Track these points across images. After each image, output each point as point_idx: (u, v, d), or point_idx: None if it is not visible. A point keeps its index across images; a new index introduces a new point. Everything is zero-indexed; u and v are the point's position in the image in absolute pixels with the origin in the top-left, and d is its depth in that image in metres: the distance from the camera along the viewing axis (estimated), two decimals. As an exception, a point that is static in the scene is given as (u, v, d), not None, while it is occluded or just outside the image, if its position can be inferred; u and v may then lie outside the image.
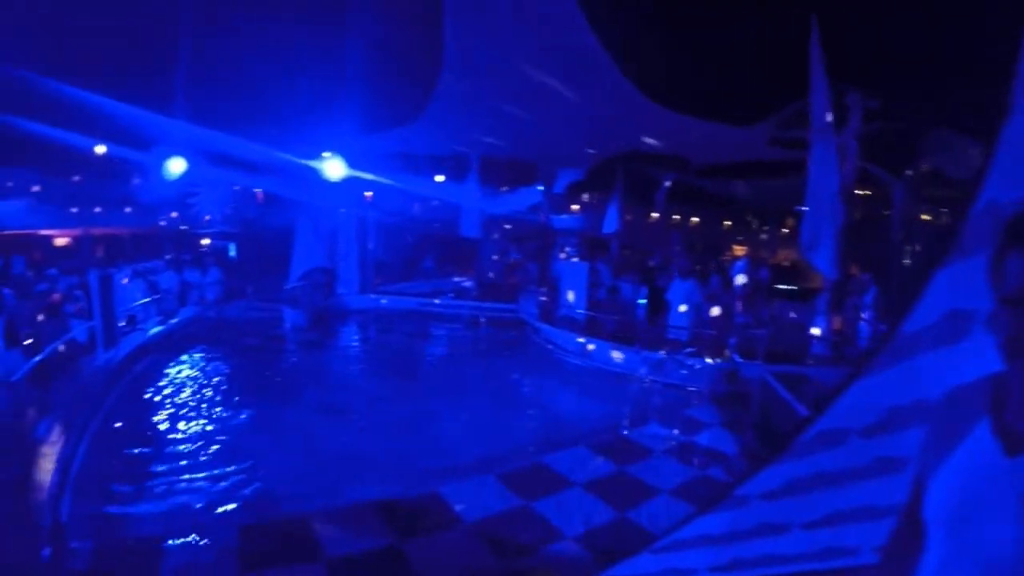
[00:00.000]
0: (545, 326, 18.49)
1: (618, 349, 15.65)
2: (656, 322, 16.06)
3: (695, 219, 42.36)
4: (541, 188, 28.26)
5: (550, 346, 17.88)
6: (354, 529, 8.08)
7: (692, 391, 13.56)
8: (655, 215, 34.72)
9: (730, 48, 18.98)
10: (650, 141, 23.15)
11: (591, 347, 16.33)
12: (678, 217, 39.67)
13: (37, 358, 11.47)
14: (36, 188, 37.67)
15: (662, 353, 14.40)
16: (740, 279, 18.19)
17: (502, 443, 11.28)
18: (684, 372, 13.91)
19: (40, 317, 13.49)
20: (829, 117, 12.21)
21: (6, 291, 12.31)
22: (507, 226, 31.70)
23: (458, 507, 8.62)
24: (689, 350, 14.51)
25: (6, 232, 35.20)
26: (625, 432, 11.38)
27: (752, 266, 18.87)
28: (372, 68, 20.32)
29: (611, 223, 25.64)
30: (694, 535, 3.20)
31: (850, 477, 2.57)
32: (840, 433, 2.53)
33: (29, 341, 12.23)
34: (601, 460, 10.24)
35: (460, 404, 13.45)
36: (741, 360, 13.44)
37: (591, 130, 21.67)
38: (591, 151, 25.77)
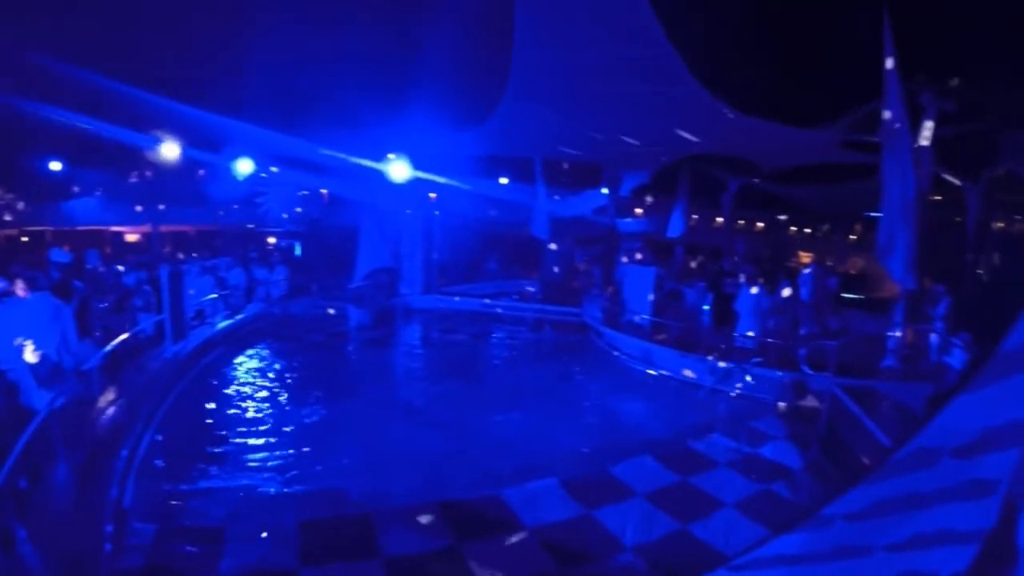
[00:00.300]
0: (609, 330, 18.24)
1: (683, 356, 15.34)
2: (722, 329, 15.79)
3: (760, 224, 41.78)
4: (606, 191, 28.06)
5: (614, 351, 17.68)
6: (413, 528, 8.05)
7: (758, 402, 13.19)
8: (720, 219, 34.26)
9: (802, 48, 18.67)
10: (717, 144, 22.83)
11: (655, 353, 16.06)
12: (743, 222, 39.11)
13: (107, 348, 11.73)
14: (108, 186, 38.65)
15: (728, 362, 14.11)
16: (808, 287, 17.76)
17: (564, 448, 11.18)
18: (751, 382, 13.58)
19: (110, 309, 13.78)
20: (902, 119, 11.84)
21: (79, 284, 12.58)
22: (572, 229, 31.59)
23: (519, 511, 8.51)
24: (756, 360, 14.12)
25: (80, 227, 36.37)
26: (689, 441, 11.19)
27: (820, 274, 18.40)
28: (440, 71, 20.41)
29: (676, 227, 25.39)
30: (773, 554, 3.09)
31: (938, 499, 2.46)
32: (933, 453, 2.41)
33: (100, 332, 12.54)
34: (664, 469, 10.05)
35: (522, 406, 13.37)
36: (810, 371, 12.98)
37: (658, 132, 21.42)
38: (658, 154, 25.50)
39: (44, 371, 9.19)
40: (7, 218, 35.99)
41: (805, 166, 24.93)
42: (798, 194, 30.19)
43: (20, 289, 9.30)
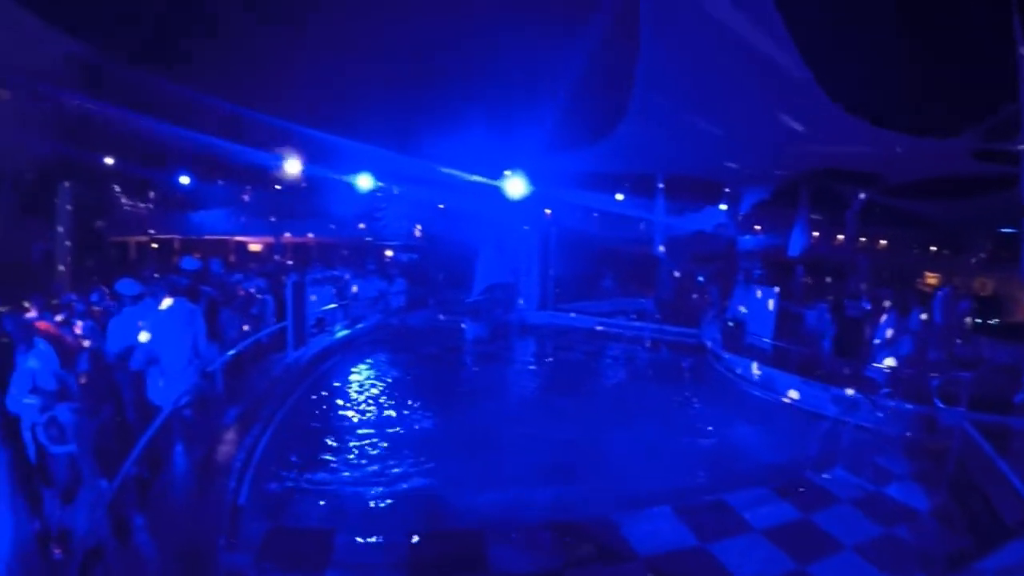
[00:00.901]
0: (728, 353, 17.81)
1: (805, 383, 14.79)
2: (845, 356, 15.22)
3: (883, 242, 40.26)
4: (724, 207, 27.63)
5: (732, 375, 17.22)
6: (525, 547, 8.01)
7: (883, 436, 12.48)
8: (840, 237, 33.14)
9: (931, 53, 17.93)
10: (841, 156, 22.15)
11: (776, 378, 15.55)
12: (865, 239, 37.67)
13: (232, 352, 12.34)
14: (233, 199, 40.45)
15: (853, 391, 13.52)
16: (941, 311, 16.89)
17: (678, 473, 11.03)
18: (877, 414, 12.91)
19: (234, 316, 14.35)
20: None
21: (207, 289, 13.16)
22: (689, 246, 31.15)
23: (632, 538, 8.36)
24: (884, 391, 13.42)
25: (206, 236, 38.23)
26: (809, 474, 10.84)
27: (953, 297, 17.51)
28: (563, 88, 20.46)
29: (796, 245, 24.79)
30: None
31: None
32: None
33: (224, 337, 13.13)
34: (782, 503, 9.73)
35: (636, 427, 13.20)
36: (942, 405, 12.13)
37: (780, 147, 20.98)
38: (778, 171, 24.97)
39: (173, 371, 9.70)
40: (144, 227, 37.99)
41: (932, 179, 23.91)
42: (924, 209, 29.00)
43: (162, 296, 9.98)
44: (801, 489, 10.28)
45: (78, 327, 10.05)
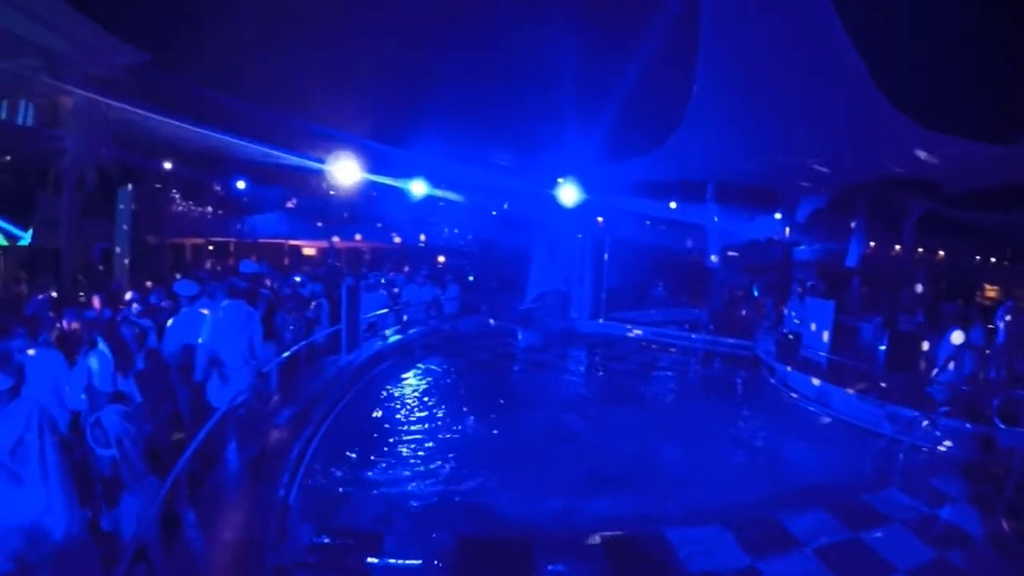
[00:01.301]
0: (782, 367, 17.55)
1: (860, 399, 14.52)
2: (900, 371, 14.95)
3: (941, 253, 39.48)
4: (779, 216, 27.34)
5: (786, 389, 17.01)
6: (572, 558, 7.99)
7: (942, 456, 12.27)
8: (897, 247, 32.52)
9: (995, 56, 17.56)
10: (900, 164, 21.77)
11: (831, 394, 15.28)
12: (922, 250, 36.90)
13: (287, 353, 12.71)
14: (290, 204, 41.16)
15: (912, 409, 13.15)
16: (1005, 327, 16.32)
17: (729, 488, 10.96)
18: (934, 433, 12.60)
19: (288, 318, 14.67)
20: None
21: (264, 291, 13.46)
22: (743, 256, 30.87)
23: (682, 554, 8.31)
24: (942, 409, 12.97)
25: (261, 240, 38.98)
26: (863, 494, 10.69)
27: (1015, 311, 17.04)
28: (619, 97, 20.47)
29: (853, 256, 24.46)
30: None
31: None
32: None
33: (279, 339, 13.47)
34: (834, 522, 9.58)
35: (687, 440, 13.18)
36: (1001, 425, 11.63)
37: (838, 155, 20.74)
38: (836, 177, 24.63)
39: (229, 371, 9.98)
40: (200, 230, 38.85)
41: (993, 187, 23.37)
42: (984, 219, 28.34)
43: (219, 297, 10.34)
44: (854, 508, 10.14)
45: (138, 327, 10.39)
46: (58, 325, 11.06)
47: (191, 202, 38.49)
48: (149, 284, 17.37)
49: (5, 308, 15.37)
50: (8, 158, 26.05)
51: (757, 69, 16.10)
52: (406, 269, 26.27)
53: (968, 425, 12.47)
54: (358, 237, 42.11)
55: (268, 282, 17.40)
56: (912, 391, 14.01)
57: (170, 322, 10.96)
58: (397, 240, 42.01)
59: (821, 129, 18.19)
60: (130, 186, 24.89)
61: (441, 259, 37.69)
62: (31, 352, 7.88)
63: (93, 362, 7.09)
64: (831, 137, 18.69)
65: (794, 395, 16.57)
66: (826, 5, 13.22)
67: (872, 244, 28.20)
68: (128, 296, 14.27)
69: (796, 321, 18.63)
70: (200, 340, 10.10)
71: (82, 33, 18.88)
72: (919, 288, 24.46)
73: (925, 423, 12.63)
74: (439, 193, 26.91)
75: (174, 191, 36.30)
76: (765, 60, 15.63)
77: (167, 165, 32.41)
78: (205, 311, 10.65)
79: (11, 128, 25.24)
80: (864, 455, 12.55)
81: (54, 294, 17.20)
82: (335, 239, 40.61)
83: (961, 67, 17.15)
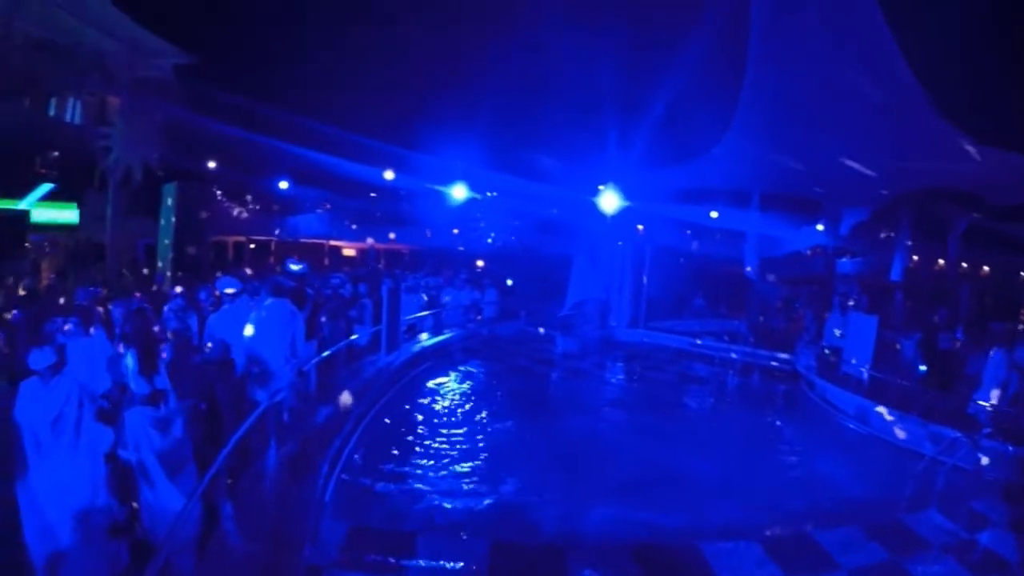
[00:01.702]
0: (821, 382, 17.31)
1: (901, 418, 14.27)
2: (939, 390, 14.70)
3: (986, 268, 38.73)
4: (821, 228, 27.09)
5: (825, 405, 16.76)
6: (605, 569, 7.97)
7: (983, 479, 11.99)
8: (941, 261, 32.00)
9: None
10: (946, 175, 21.45)
11: (871, 412, 15.02)
12: (966, 265, 36.15)
13: (327, 352, 12.90)
14: (328, 205, 41.64)
15: (952, 430, 12.86)
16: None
17: (764, 502, 10.90)
18: (976, 455, 12.32)
19: (329, 318, 14.85)
20: None
21: (309, 290, 13.66)
22: (785, 267, 30.57)
23: (717, 568, 8.30)
24: (986, 431, 12.67)
25: (302, 240, 39.47)
26: (901, 516, 10.57)
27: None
28: (663, 103, 20.48)
29: (897, 269, 24.20)
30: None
31: None
32: None
33: (320, 338, 13.67)
34: (871, 543, 9.50)
35: (725, 453, 13.11)
36: None
37: (883, 165, 20.55)
38: (881, 190, 24.36)
39: (270, 369, 10.12)
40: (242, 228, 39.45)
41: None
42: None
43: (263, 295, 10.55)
44: (892, 529, 10.04)
45: (183, 322, 10.53)
46: (103, 317, 11.29)
47: (234, 201, 39.01)
48: (193, 281, 17.62)
49: (54, 297, 15.70)
50: (56, 154, 26.66)
51: (806, 76, 16.04)
52: (446, 273, 26.36)
53: (1011, 447, 12.22)
54: (391, 236, 42.40)
55: (314, 282, 17.62)
56: (954, 411, 13.78)
57: (212, 318, 11.17)
58: (438, 244, 42.25)
59: (864, 143, 18.07)
60: (175, 184, 25.29)
61: (481, 263, 37.82)
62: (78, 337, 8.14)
63: (129, 360, 7.23)
64: (877, 149, 18.56)
65: (833, 411, 16.34)
66: (875, 12, 13.19)
67: (915, 258, 27.80)
68: (178, 289, 14.57)
69: (837, 334, 18.39)
70: (245, 335, 10.28)
71: (132, 36, 19.35)
72: (961, 304, 23.98)
73: (967, 444, 12.40)
74: (479, 197, 27.07)
75: (217, 190, 36.80)
76: (815, 66, 15.57)
77: (211, 164, 33.00)
78: (247, 308, 10.85)
79: (60, 124, 25.81)
80: (903, 475, 12.36)
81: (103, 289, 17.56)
82: (369, 240, 40.98)
83: (1012, 79, 16.96)
